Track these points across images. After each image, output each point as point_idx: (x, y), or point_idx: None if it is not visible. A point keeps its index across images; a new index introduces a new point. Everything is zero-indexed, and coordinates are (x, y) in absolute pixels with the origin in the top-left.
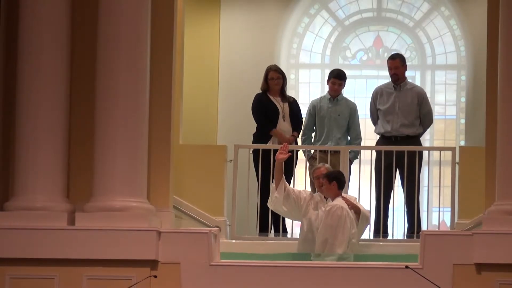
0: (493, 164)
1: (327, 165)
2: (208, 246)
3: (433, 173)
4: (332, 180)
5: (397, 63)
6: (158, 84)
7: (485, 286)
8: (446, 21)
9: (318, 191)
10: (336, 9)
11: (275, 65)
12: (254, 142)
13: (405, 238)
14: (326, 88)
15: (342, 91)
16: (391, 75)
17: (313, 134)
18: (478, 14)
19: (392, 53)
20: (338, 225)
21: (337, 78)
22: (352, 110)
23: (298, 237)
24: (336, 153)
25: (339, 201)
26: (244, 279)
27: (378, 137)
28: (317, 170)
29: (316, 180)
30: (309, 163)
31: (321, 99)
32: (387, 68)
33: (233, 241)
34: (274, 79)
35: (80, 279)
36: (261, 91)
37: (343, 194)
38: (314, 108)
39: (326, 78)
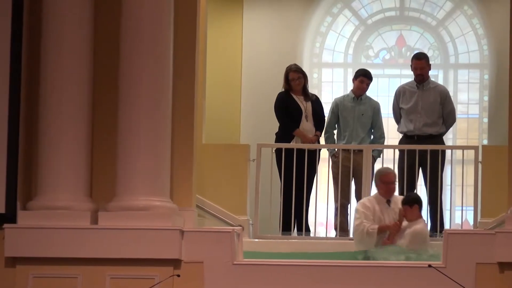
0: None
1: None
2: (231, 245)
3: (456, 172)
4: (413, 204)
5: (423, 64)
6: (181, 83)
7: (508, 285)
8: (469, 20)
9: (379, 194)
10: (359, 8)
11: (295, 65)
12: (276, 141)
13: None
14: (349, 87)
15: None
16: (417, 75)
17: (335, 132)
18: (501, 13)
19: (416, 51)
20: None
21: (366, 77)
22: (375, 109)
23: (323, 236)
24: (360, 151)
25: (422, 224)
26: (267, 278)
27: (401, 136)
28: (387, 176)
29: (384, 184)
30: (332, 161)
31: (344, 97)
32: (409, 67)
33: (256, 240)
34: (295, 79)
35: (103, 278)
36: (283, 90)
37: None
38: (338, 106)
39: (349, 77)
